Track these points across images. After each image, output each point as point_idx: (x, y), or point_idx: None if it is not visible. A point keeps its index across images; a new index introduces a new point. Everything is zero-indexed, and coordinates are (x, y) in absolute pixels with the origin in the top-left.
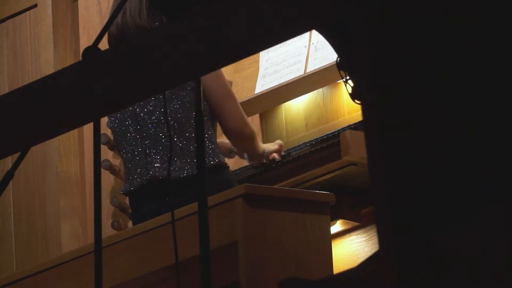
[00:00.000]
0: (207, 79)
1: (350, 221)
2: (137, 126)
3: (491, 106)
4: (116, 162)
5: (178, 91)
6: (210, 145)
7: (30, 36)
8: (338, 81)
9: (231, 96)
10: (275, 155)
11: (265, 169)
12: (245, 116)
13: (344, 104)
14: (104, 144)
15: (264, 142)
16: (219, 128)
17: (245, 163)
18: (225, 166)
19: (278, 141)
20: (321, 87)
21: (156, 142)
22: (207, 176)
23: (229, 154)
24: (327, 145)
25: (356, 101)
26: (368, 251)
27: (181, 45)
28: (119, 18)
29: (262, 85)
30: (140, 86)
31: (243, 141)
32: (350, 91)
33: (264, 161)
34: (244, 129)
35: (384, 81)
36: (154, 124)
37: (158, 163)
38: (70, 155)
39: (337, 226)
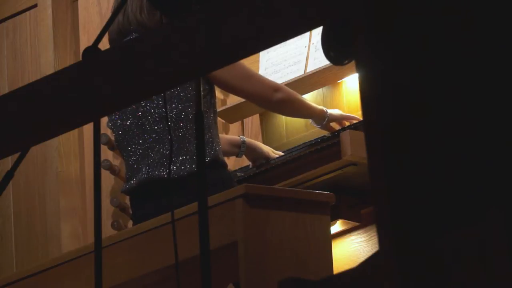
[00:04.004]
0: (220, 71)
1: (350, 221)
2: (139, 125)
3: (491, 107)
4: (116, 162)
5: (179, 89)
6: (207, 143)
7: (30, 36)
8: (338, 81)
9: (248, 76)
10: (344, 123)
11: (265, 169)
12: (272, 84)
13: (344, 104)
14: (104, 144)
15: (264, 142)
16: (219, 128)
17: (245, 163)
18: (223, 164)
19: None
20: (321, 87)
21: (155, 141)
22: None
23: (238, 152)
24: (327, 145)
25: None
26: (368, 251)
27: (181, 45)
28: (120, 16)
29: None
30: (140, 86)
31: (283, 108)
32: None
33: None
34: (273, 98)
35: (384, 81)
36: (155, 123)
37: (157, 162)
38: (70, 155)
39: (337, 226)
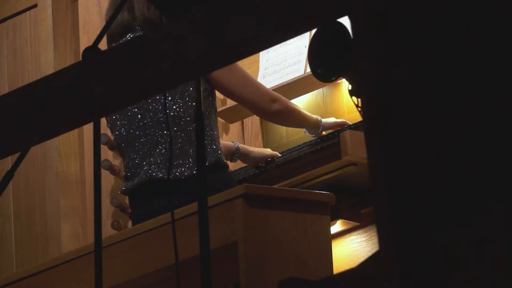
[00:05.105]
0: (219, 74)
1: (350, 221)
2: (139, 126)
3: (492, 106)
4: (116, 162)
5: (180, 89)
6: (210, 144)
7: (30, 36)
8: (338, 81)
9: (247, 83)
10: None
11: (264, 169)
12: (270, 94)
13: (344, 104)
14: (104, 144)
15: (264, 142)
16: (219, 128)
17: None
18: (225, 166)
19: (338, 120)
20: (321, 87)
21: (157, 141)
22: (206, 175)
23: (232, 157)
24: (327, 145)
25: (353, 98)
26: (368, 251)
27: (181, 45)
28: (125, 13)
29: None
30: (140, 86)
31: (279, 119)
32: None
33: (323, 133)
34: (271, 108)
35: (384, 82)
36: (155, 124)
37: (158, 163)
38: (70, 155)
39: (337, 226)
